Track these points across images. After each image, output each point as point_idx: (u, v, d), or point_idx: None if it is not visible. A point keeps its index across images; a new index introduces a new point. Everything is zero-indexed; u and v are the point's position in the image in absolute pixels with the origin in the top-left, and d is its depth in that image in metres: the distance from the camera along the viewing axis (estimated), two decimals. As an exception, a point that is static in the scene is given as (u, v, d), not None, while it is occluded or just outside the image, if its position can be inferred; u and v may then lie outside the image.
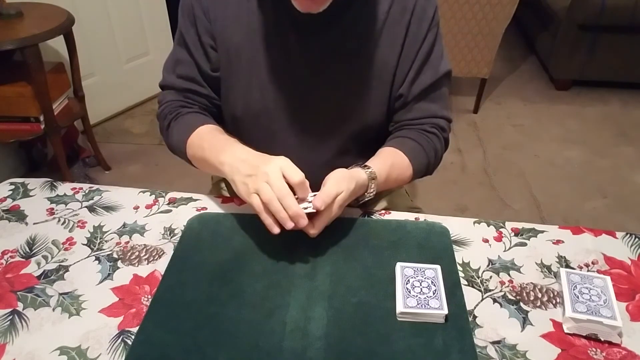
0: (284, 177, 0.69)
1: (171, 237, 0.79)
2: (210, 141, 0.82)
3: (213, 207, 0.85)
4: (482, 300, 0.69)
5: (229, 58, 0.86)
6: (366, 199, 0.82)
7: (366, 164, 0.82)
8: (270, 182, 0.68)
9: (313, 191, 0.73)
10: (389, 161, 0.84)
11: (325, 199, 0.70)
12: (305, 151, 0.89)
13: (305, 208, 0.70)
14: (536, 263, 0.75)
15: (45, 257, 0.75)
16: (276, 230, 0.69)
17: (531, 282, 0.71)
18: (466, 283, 0.71)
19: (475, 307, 0.67)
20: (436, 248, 0.76)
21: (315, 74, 0.85)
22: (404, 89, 0.87)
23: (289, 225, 0.68)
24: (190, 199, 0.88)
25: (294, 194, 0.69)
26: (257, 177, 0.70)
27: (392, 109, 0.91)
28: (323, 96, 0.86)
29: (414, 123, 0.90)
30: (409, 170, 0.86)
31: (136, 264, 0.74)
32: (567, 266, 0.74)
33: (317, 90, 0.86)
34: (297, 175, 0.69)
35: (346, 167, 0.80)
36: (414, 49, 0.85)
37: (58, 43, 2.03)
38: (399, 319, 0.65)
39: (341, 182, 0.74)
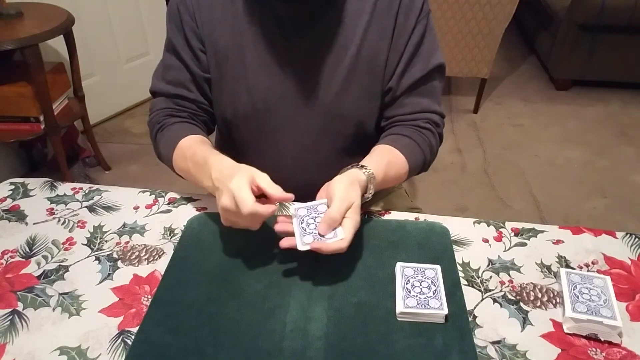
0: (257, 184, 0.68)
1: (171, 237, 0.79)
2: (192, 157, 0.80)
3: (213, 207, 0.85)
4: (482, 300, 0.69)
5: (217, 61, 0.85)
6: (364, 201, 0.77)
7: (362, 164, 0.78)
8: (234, 196, 0.66)
9: (313, 192, 0.72)
10: (385, 159, 0.81)
11: (331, 223, 0.67)
12: (301, 151, 0.89)
13: (331, 238, 0.67)
14: (536, 263, 0.75)
15: (45, 257, 0.75)
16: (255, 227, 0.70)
17: (531, 282, 0.71)
18: (466, 283, 0.71)
19: (475, 307, 0.67)
20: (436, 248, 0.76)
21: (303, 73, 0.84)
22: (393, 82, 0.86)
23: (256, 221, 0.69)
24: (190, 199, 0.88)
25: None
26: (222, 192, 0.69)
27: (383, 104, 0.89)
28: (313, 94, 0.85)
29: (406, 119, 0.88)
30: (405, 167, 0.84)
31: (136, 264, 0.74)
32: (567, 266, 0.74)
33: (305, 89, 0.84)
34: (267, 185, 0.68)
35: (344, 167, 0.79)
36: (402, 41, 0.84)
37: (58, 43, 2.03)
38: (399, 319, 0.65)
39: (350, 193, 0.70)
